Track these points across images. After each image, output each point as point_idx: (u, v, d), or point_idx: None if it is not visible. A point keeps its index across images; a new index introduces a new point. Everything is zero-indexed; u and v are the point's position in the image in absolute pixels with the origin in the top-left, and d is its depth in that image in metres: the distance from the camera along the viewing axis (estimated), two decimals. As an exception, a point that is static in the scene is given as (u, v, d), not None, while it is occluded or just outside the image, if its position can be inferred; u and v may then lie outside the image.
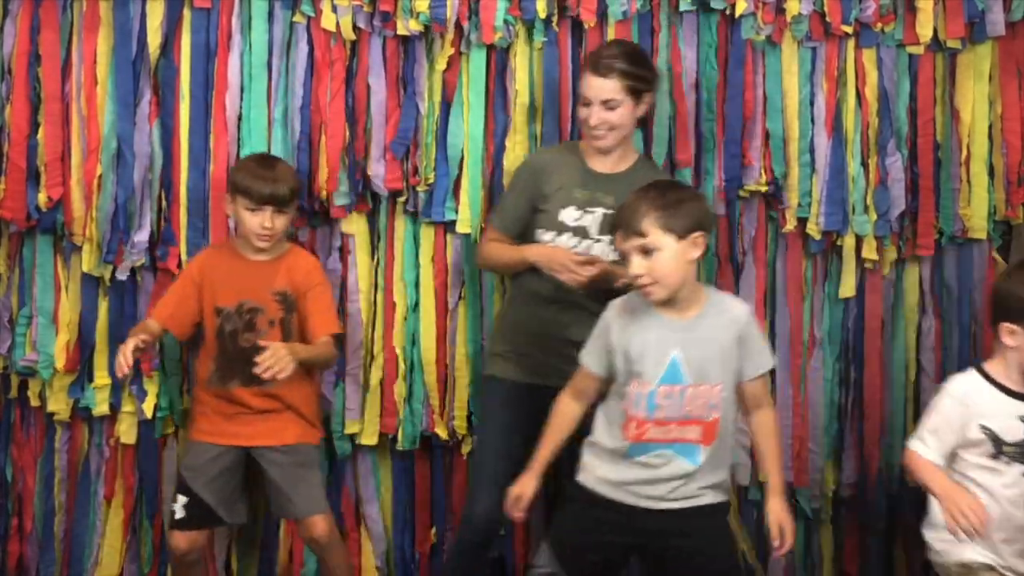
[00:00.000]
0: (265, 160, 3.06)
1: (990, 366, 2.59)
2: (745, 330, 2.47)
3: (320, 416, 3.16)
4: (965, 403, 2.55)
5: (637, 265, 2.38)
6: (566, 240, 2.92)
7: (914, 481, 2.69)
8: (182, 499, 3.00)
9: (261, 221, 2.93)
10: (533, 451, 2.65)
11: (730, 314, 2.47)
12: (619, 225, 2.43)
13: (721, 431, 2.46)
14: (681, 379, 2.42)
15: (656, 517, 2.47)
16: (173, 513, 3.02)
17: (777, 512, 2.50)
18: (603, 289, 2.76)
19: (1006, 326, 2.52)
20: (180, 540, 3.01)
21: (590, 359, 2.54)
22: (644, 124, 3.10)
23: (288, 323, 2.98)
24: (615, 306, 2.52)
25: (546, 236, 2.93)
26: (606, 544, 2.52)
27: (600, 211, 2.90)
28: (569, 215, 2.92)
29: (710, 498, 2.49)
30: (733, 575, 2.59)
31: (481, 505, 2.91)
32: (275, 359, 2.72)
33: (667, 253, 2.37)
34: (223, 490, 3.01)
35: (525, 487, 2.57)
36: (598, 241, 2.90)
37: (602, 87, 2.88)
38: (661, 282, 2.39)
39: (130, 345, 2.82)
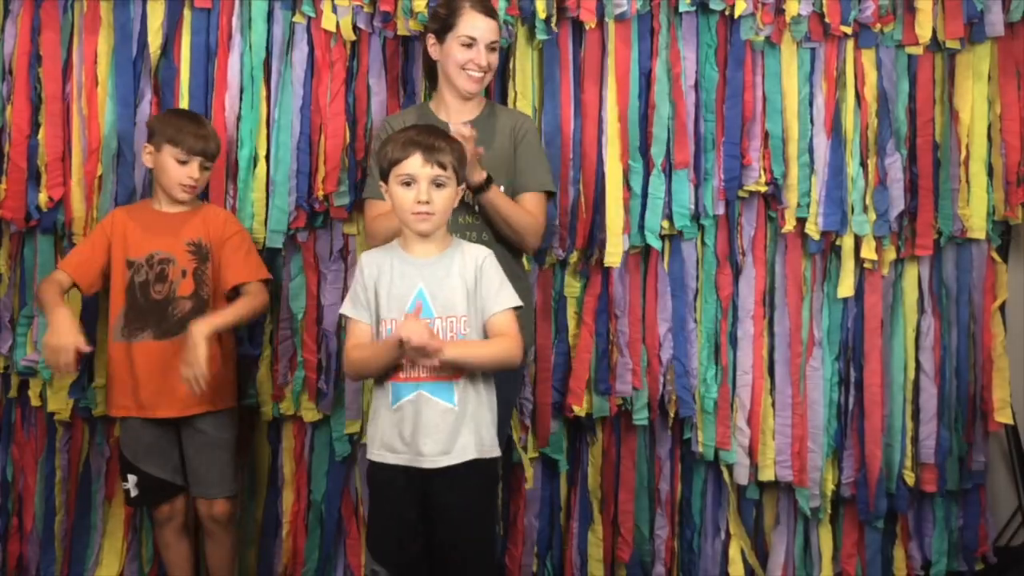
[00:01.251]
0: (194, 116, 3.07)
1: None
2: (484, 268, 2.52)
3: (235, 382, 3.12)
4: None
5: (425, 192, 2.44)
6: None
7: None
8: (132, 478, 3.00)
9: (189, 172, 2.95)
10: None
11: (471, 254, 2.54)
12: (421, 149, 2.45)
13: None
14: (429, 312, 2.46)
15: (430, 478, 2.45)
16: (128, 492, 3.03)
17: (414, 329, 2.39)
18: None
19: None
20: (157, 511, 3.04)
21: (351, 309, 2.55)
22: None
23: (201, 273, 2.96)
24: (366, 255, 2.58)
25: None
26: (398, 518, 2.50)
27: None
28: None
29: (474, 453, 2.47)
30: (482, 546, 2.55)
31: None
32: (197, 360, 2.76)
33: (449, 192, 2.48)
34: (169, 460, 3.01)
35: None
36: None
37: (491, 28, 2.90)
38: (438, 215, 2.47)
39: (72, 354, 2.78)
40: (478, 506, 2.50)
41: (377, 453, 2.52)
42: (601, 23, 3.25)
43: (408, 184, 2.46)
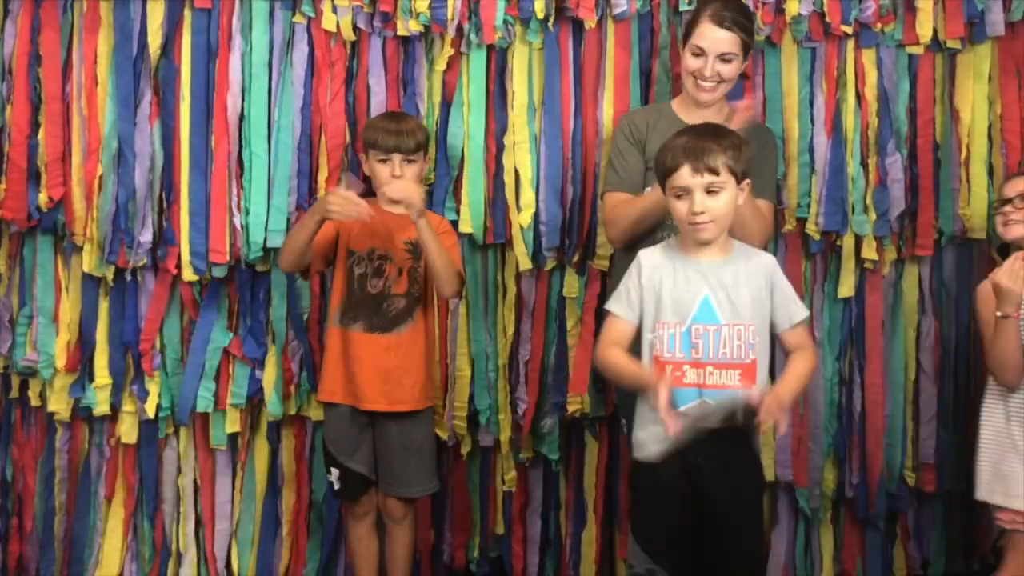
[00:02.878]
0: (392, 114, 3.12)
1: None
2: (774, 278, 2.49)
3: (435, 380, 3.17)
4: None
5: (700, 202, 2.39)
6: None
7: None
8: (335, 471, 3.04)
9: (391, 170, 2.97)
10: None
11: (757, 260, 2.50)
12: (689, 158, 2.40)
13: (759, 377, 2.42)
14: (715, 318, 2.42)
15: (700, 449, 2.40)
16: (331, 485, 3.07)
17: (771, 398, 2.37)
18: None
19: None
20: (348, 504, 3.08)
21: (621, 307, 2.51)
22: None
23: (415, 271, 3.00)
24: (644, 254, 2.53)
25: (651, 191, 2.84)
26: (675, 512, 2.45)
27: None
28: None
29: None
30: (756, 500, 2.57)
31: None
32: (406, 193, 2.87)
33: (729, 194, 2.42)
34: (367, 455, 3.04)
35: (665, 391, 2.37)
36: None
37: (722, 40, 2.86)
38: (717, 222, 2.42)
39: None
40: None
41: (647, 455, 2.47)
42: (601, 23, 3.24)
43: (680, 197, 2.42)
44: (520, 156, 3.24)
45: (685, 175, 2.40)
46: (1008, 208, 2.87)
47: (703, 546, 2.45)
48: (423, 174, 3.08)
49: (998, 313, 2.67)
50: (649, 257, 2.52)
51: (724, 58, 2.86)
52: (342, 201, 2.86)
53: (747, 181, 2.48)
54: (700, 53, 2.86)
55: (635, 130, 2.97)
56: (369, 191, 3.09)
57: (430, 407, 3.09)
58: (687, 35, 2.91)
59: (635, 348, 2.52)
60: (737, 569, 2.46)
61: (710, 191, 2.40)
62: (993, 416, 2.80)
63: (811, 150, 3.29)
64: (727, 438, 2.42)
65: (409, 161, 2.99)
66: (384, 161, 2.98)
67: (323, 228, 2.97)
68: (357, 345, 2.98)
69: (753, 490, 2.54)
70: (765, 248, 2.78)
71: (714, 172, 2.39)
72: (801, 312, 2.51)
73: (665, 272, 2.47)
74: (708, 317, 2.43)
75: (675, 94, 3.26)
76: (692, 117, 2.89)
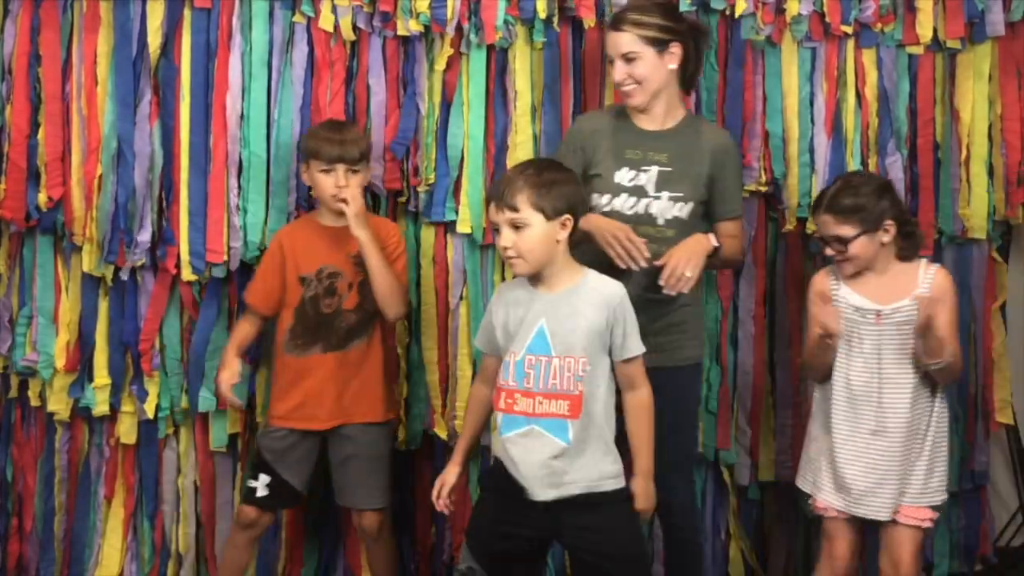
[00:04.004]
0: (335, 123, 3.10)
1: None
2: (618, 311, 2.52)
3: (395, 395, 3.17)
4: None
5: (506, 238, 2.47)
6: (623, 201, 2.87)
7: None
8: (264, 478, 3.01)
9: (335, 181, 2.95)
10: None
11: (602, 293, 2.52)
12: (493, 197, 2.50)
13: (587, 407, 2.48)
14: (548, 350, 2.48)
15: (547, 510, 2.48)
16: (254, 490, 3.02)
17: (641, 489, 2.55)
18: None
19: None
20: (250, 513, 3.04)
21: (480, 341, 2.67)
22: (689, 79, 2.99)
23: (365, 286, 2.98)
24: (502, 287, 2.64)
25: (602, 200, 2.88)
26: (513, 536, 2.54)
27: (655, 168, 2.86)
28: (624, 176, 2.89)
29: (583, 487, 2.49)
30: (638, 565, 2.59)
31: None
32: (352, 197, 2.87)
33: (535, 231, 2.46)
34: (306, 471, 3.04)
35: (447, 476, 2.64)
36: (656, 198, 2.86)
37: (618, 41, 2.86)
38: (524, 257, 2.47)
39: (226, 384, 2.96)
40: None
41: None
42: (601, 22, 3.24)
43: (497, 230, 2.51)
44: (520, 156, 3.23)
45: (492, 211, 2.51)
46: (830, 251, 2.84)
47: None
48: (365, 184, 3.05)
49: (819, 332, 2.78)
50: (505, 288, 2.63)
51: (627, 58, 2.86)
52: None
53: (568, 216, 2.49)
54: (611, 61, 2.88)
55: (578, 135, 2.96)
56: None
57: (390, 420, 3.09)
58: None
59: None
60: None
61: (515, 226, 2.46)
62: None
63: (811, 150, 3.29)
64: (583, 504, 2.49)
65: (353, 171, 2.96)
66: (327, 172, 2.95)
67: (268, 264, 3.02)
68: (315, 367, 2.97)
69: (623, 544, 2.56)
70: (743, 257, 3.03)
71: (514, 209, 2.45)
72: (636, 348, 2.54)
73: (512, 304, 2.56)
74: (541, 348, 2.49)
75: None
76: (642, 120, 2.92)
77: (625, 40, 2.85)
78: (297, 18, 3.24)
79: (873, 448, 2.78)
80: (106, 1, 3.23)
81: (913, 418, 2.80)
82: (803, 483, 2.94)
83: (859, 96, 3.30)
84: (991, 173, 3.33)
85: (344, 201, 2.91)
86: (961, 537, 3.41)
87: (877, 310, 2.80)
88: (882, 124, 3.29)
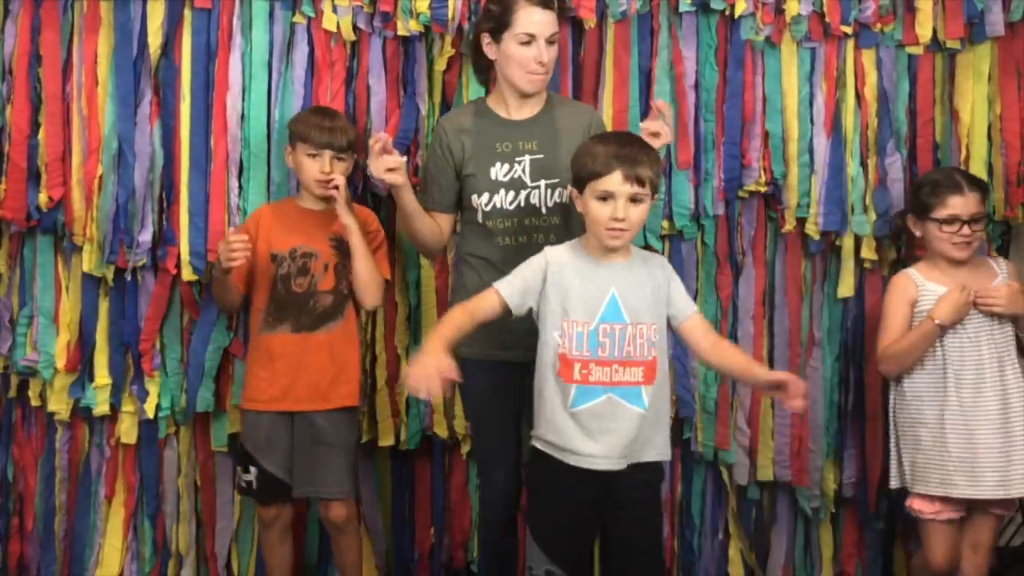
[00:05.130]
0: (324, 110, 3.11)
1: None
2: (672, 276, 2.61)
3: (358, 375, 3.12)
4: None
5: (623, 209, 2.45)
6: (503, 197, 2.84)
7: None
8: (253, 470, 3.00)
9: (320, 166, 2.96)
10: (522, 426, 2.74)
11: (657, 261, 2.63)
12: (621, 166, 2.45)
13: (659, 374, 2.53)
14: (621, 317, 2.50)
15: (616, 475, 2.50)
16: (250, 483, 3.01)
17: (785, 376, 2.59)
18: None
19: None
20: (269, 510, 3.03)
21: (508, 289, 2.53)
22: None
23: (342, 268, 2.99)
24: (551, 251, 2.57)
25: (482, 199, 2.85)
26: (582, 518, 2.54)
27: (527, 158, 2.84)
28: (499, 171, 2.86)
29: (654, 455, 2.56)
30: (655, 548, 2.62)
31: (497, 484, 2.90)
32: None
33: (646, 206, 2.51)
34: (286, 460, 3.00)
35: (442, 363, 2.40)
36: (535, 187, 2.84)
37: (550, 22, 2.83)
38: (632, 230, 2.50)
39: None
40: None
41: None
42: (601, 23, 3.24)
43: (605, 199, 2.47)
44: (520, 156, 3.23)
45: (616, 180, 2.45)
46: (967, 231, 2.96)
47: (607, 540, 2.56)
48: (348, 174, 3.05)
49: (937, 321, 2.87)
50: (556, 255, 2.56)
51: (551, 40, 2.82)
52: (228, 249, 2.84)
53: (658, 195, 2.59)
54: (529, 40, 2.79)
55: (443, 136, 2.90)
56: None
57: (356, 408, 3.06)
58: (503, 26, 2.80)
59: (528, 341, 2.58)
60: (643, 564, 2.54)
61: (634, 200, 2.46)
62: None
63: (811, 150, 3.29)
64: (636, 472, 2.52)
65: (339, 159, 2.99)
66: (313, 156, 2.98)
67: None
68: (284, 346, 2.96)
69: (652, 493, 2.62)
70: None
71: (641, 183, 2.46)
72: (692, 305, 2.63)
73: (571, 270, 2.52)
74: (615, 316, 2.50)
75: (675, 95, 3.26)
76: (513, 112, 2.87)
77: (552, 20, 2.83)
78: (297, 18, 3.24)
79: (1003, 428, 2.89)
80: (106, 1, 3.23)
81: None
82: (924, 487, 2.95)
83: (859, 96, 3.30)
84: (991, 173, 3.32)
85: (332, 186, 2.93)
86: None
87: (967, 290, 2.90)
88: (882, 124, 3.29)
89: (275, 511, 3.04)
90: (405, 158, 2.89)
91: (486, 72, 3.00)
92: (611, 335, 2.49)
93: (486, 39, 2.87)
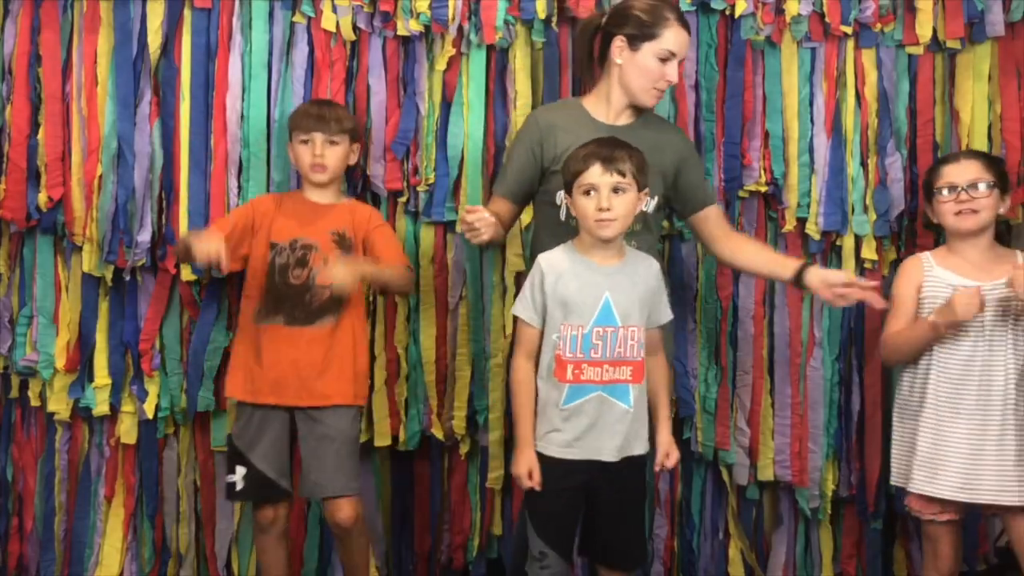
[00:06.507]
0: (320, 100, 3.12)
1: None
2: (659, 280, 2.70)
3: (367, 380, 3.07)
4: None
5: (607, 199, 2.55)
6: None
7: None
8: (240, 469, 2.93)
9: (313, 150, 2.95)
10: None
11: (647, 264, 2.69)
12: (598, 159, 2.56)
13: (646, 372, 2.65)
14: (614, 321, 2.59)
15: (602, 467, 2.61)
16: (233, 485, 2.95)
17: (666, 441, 2.73)
18: None
19: None
20: (267, 514, 2.96)
21: (525, 312, 2.65)
22: None
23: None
24: (544, 259, 2.65)
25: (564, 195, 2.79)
26: (571, 505, 2.64)
27: None
28: None
29: (640, 448, 2.66)
30: (640, 527, 2.75)
31: None
32: (337, 276, 2.75)
33: (631, 197, 2.58)
34: (279, 459, 2.94)
35: (532, 461, 2.61)
36: None
37: (688, 45, 2.83)
38: (620, 220, 2.57)
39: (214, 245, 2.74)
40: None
41: None
42: (601, 23, 3.24)
43: (589, 194, 2.56)
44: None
45: (595, 173, 2.55)
46: (964, 196, 2.90)
47: (594, 527, 2.67)
48: (347, 161, 3.02)
49: (937, 320, 2.81)
50: (550, 262, 2.64)
51: (680, 60, 2.83)
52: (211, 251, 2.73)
53: (647, 190, 2.64)
54: (668, 58, 2.78)
55: (535, 130, 2.85)
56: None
57: (357, 407, 2.99)
58: (647, 36, 2.77)
59: None
60: (626, 548, 2.68)
61: (616, 190, 2.55)
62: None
63: (811, 150, 3.29)
64: (625, 465, 2.63)
65: (331, 143, 2.97)
66: (305, 143, 2.96)
67: (238, 215, 2.97)
68: (276, 339, 2.89)
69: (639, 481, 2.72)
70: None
71: (621, 174, 2.55)
72: (668, 315, 2.74)
73: (568, 277, 2.61)
74: (608, 320, 2.59)
75: (675, 95, 3.26)
76: (605, 114, 2.85)
77: (688, 44, 2.83)
78: (297, 18, 3.24)
79: (999, 431, 2.80)
80: (106, 1, 3.23)
81: None
82: (907, 483, 2.90)
83: (859, 96, 3.30)
84: (991, 173, 3.32)
85: (321, 168, 2.94)
86: (962, 536, 3.40)
87: (978, 286, 2.82)
88: (882, 124, 3.29)
89: (271, 513, 2.95)
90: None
91: (590, 69, 2.94)
92: (604, 337, 2.59)
93: (620, 42, 2.80)
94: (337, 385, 2.90)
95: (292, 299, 2.90)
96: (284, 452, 2.95)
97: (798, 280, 2.81)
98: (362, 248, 2.97)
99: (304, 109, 3.03)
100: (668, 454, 2.72)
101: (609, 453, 2.60)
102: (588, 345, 2.58)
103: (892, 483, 3.01)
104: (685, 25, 2.82)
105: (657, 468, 2.74)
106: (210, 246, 2.71)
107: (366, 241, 2.98)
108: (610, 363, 2.59)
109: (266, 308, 2.93)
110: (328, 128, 2.96)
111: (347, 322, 2.94)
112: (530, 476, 2.60)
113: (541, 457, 2.61)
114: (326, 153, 2.95)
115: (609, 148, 2.58)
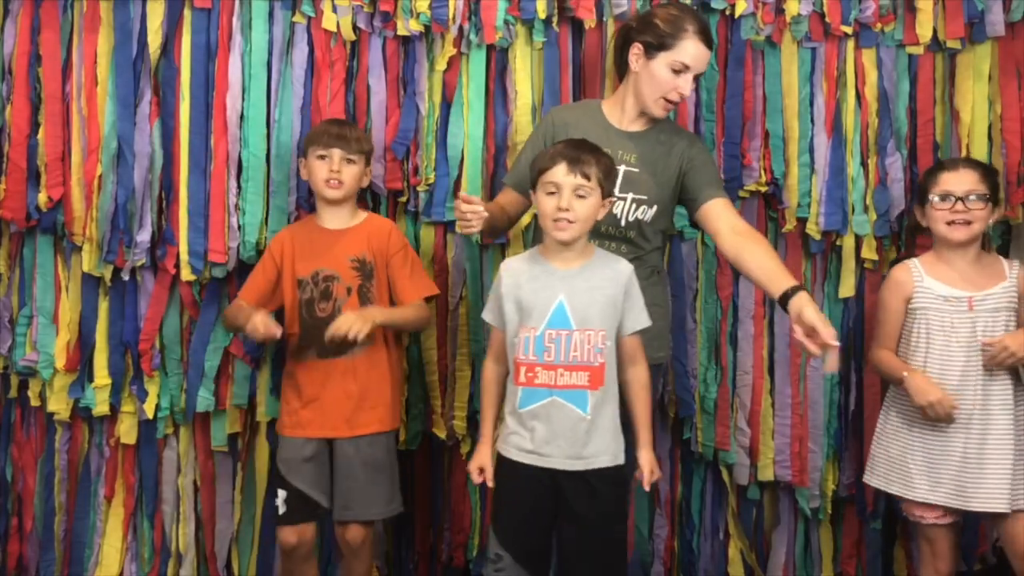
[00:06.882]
0: (337, 120, 3.12)
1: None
2: (629, 286, 2.62)
3: (400, 403, 3.11)
4: None
5: (568, 200, 2.53)
6: None
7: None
8: (282, 493, 2.96)
9: (329, 166, 2.95)
10: None
11: (615, 268, 2.63)
12: (565, 159, 2.54)
13: (607, 379, 2.57)
14: (568, 324, 2.56)
15: (567, 477, 2.56)
16: (277, 509, 2.97)
17: (648, 460, 2.64)
18: None
19: None
20: (288, 535, 2.96)
21: (489, 315, 2.68)
22: None
23: (366, 291, 2.96)
24: (506, 264, 2.67)
25: None
26: (535, 510, 2.59)
27: (622, 168, 2.80)
28: None
29: (607, 460, 2.58)
30: (615, 547, 2.63)
31: None
32: (344, 323, 2.76)
33: (593, 202, 2.56)
34: (319, 480, 2.96)
35: (483, 458, 2.65)
36: (621, 199, 2.81)
37: (706, 60, 2.80)
38: (578, 223, 2.54)
39: (260, 317, 2.82)
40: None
41: None
42: (601, 22, 3.24)
43: (552, 193, 2.54)
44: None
45: (560, 172, 2.53)
46: (960, 207, 2.91)
47: (561, 541, 2.61)
48: (360, 182, 3.03)
49: (906, 380, 2.84)
50: (509, 266, 2.66)
51: (697, 76, 2.81)
52: (259, 329, 2.81)
53: (611, 199, 2.63)
54: (682, 70, 2.77)
55: (551, 127, 2.87)
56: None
57: (393, 431, 3.02)
58: (663, 46, 2.75)
59: None
60: (598, 563, 2.57)
61: (579, 194, 2.53)
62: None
63: (811, 150, 3.29)
64: (596, 477, 2.57)
65: (349, 161, 2.98)
66: (323, 158, 2.96)
67: (263, 267, 3.01)
68: (311, 372, 2.94)
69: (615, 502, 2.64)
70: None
71: (586, 177, 2.53)
72: (644, 321, 2.64)
73: (524, 279, 2.61)
74: (561, 323, 2.56)
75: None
76: (626, 123, 2.85)
77: (708, 59, 2.80)
78: (297, 18, 3.24)
79: (982, 440, 2.81)
80: (106, 1, 3.23)
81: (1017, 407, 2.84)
82: (885, 485, 2.95)
83: (859, 96, 3.30)
84: (991, 173, 3.32)
85: (337, 184, 2.94)
86: (960, 536, 3.40)
87: (968, 297, 2.83)
88: (882, 124, 3.29)
89: (295, 538, 2.95)
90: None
91: (623, 71, 2.92)
92: (556, 340, 2.55)
93: (637, 49, 2.80)
94: (373, 413, 2.95)
95: (321, 332, 2.89)
96: (324, 475, 2.97)
97: (784, 301, 2.64)
98: (385, 271, 2.99)
99: (324, 127, 3.03)
100: (652, 471, 2.62)
101: (563, 461, 2.54)
102: (541, 348, 2.55)
103: (864, 480, 3.03)
104: (706, 39, 2.77)
105: (647, 487, 2.63)
106: (263, 332, 2.80)
107: (388, 267, 2.99)
108: (565, 367, 2.54)
109: (301, 342, 2.97)
110: (348, 146, 2.97)
111: (379, 347, 2.97)
112: (481, 473, 2.62)
113: (502, 459, 2.61)
114: (343, 170, 2.96)
115: (577, 150, 2.56)
